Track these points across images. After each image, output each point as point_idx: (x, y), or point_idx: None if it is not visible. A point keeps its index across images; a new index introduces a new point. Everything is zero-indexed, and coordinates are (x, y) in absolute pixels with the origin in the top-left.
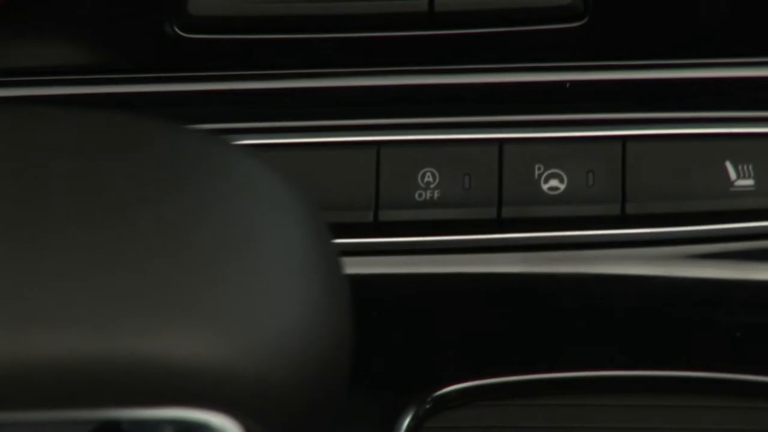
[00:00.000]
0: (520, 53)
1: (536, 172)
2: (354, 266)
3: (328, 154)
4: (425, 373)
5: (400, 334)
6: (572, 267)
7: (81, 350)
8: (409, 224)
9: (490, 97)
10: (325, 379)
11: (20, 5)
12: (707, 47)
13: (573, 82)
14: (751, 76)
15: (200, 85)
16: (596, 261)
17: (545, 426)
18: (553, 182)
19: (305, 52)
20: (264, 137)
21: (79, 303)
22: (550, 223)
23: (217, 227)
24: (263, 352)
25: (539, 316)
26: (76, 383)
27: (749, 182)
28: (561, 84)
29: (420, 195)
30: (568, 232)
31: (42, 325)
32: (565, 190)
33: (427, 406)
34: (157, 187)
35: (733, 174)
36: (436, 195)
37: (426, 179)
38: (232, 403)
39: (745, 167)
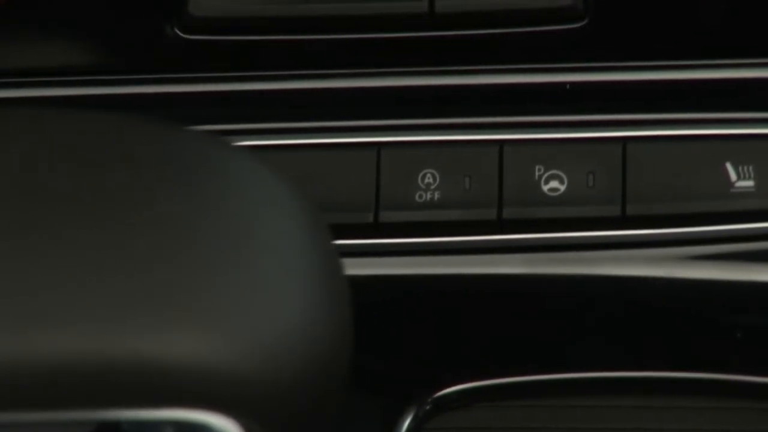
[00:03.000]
0: (521, 54)
1: (537, 174)
2: (354, 267)
3: (328, 155)
4: (425, 374)
5: (400, 336)
6: (573, 268)
7: (81, 351)
8: (410, 225)
9: (490, 98)
10: (326, 380)
11: (20, 6)
12: (707, 48)
13: (573, 84)
14: (751, 77)
15: (201, 87)
16: (597, 262)
17: (546, 427)
18: (554, 183)
19: (306, 53)
20: (264, 138)
21: (79, 304)
22: (551, 224)
23: (217, 228)
24: (263, 353)
25: (539, 317)
26: (77, 384)
27: (749, 183)
28: (561, 85)
29: (420, 196)
30: (569, 233)
31: (43, 326)
32: (566, 191)
33: (428, 408)
34: (157, 189)
35: (733, 175)
36: (436, 196)
37: (426, 180)
38: (232, 403)
39: (745, 168)
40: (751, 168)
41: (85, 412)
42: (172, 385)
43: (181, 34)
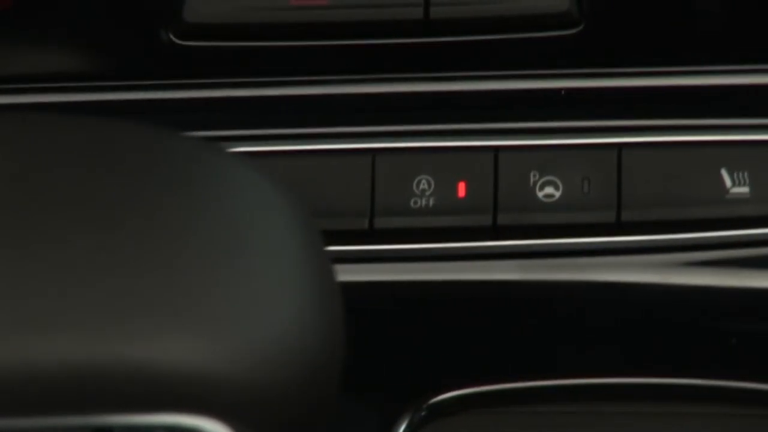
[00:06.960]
0: (516, 60)
1: (532, 180)
2: (349, 273)
3: (323, 161)
4: (420, 380)
5: (395, 342)
6: (568, 274)
7: (72, 356)
8: (405, 231)
9: (485, 104)
10: (318, 386)
11: (15, 13)
12: (702, 55)
13: (568, 90)
14: (746, 84)
15: (195, 93)
16: (592, 268)
17: None
18: (549, 189)
19: (300, 59)
20: (259, 145)
21: (69, 309)
22: (546, 230)
23: (209, 233)
24: (255, 358)
25: (535, 323)
26: (68, 389)
27: (744, 189)
28: (556, 91)
29: (415, 202)
30: (564, 240)
31: (33, 331)
32: (561, 197)
33: (422, 414)
34: (150, 194)
35: (728, 181)
36: (431, 202)
37: (421, 186)
38: (224, 408)
39: (740, 175)
40: (746, 174)
41: (76, 418)
42: (164, 390)
43: (176, 41)
